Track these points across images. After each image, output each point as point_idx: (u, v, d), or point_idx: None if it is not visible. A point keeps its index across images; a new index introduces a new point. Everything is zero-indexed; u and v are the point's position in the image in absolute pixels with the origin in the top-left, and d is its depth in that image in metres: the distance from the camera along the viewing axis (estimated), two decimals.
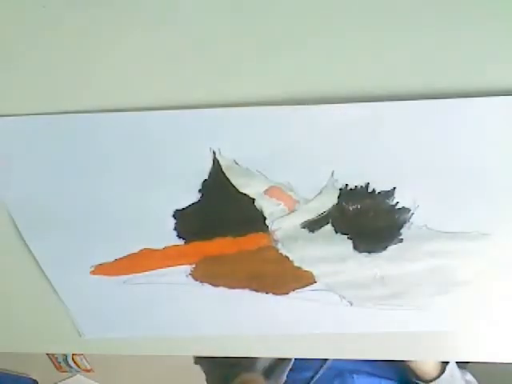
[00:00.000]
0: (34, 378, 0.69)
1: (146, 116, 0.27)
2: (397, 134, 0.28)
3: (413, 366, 0.58)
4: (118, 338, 0.41)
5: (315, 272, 0.38)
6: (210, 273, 0.39)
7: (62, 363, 0.75)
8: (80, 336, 0.44)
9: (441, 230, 0.33)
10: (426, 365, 0.57)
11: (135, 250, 0.36)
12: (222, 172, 0.29)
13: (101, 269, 0.38)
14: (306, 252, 0.36)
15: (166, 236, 0.34)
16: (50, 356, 0.72)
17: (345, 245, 0.35)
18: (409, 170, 0.30)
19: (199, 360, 0.66)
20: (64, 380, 0.76)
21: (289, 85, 0.26)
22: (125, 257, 0.36)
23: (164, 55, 0.26)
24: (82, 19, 0.24)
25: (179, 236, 0.34)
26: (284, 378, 0.59)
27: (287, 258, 0.36)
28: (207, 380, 0.66)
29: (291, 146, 0.28)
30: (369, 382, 0.60)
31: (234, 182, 0.30)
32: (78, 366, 0.77)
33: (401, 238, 0.34)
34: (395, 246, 0.35)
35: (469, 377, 0.63)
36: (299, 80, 0.26)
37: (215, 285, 0.40)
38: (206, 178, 0.30)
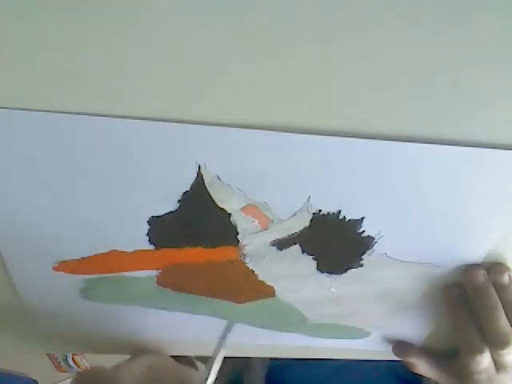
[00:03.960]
0: (34, 377, 0.66)
1: (135, 124, 0.27)
2: (370, 170, 0.30)
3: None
4: (117, 338, 0.41)
5: (277, 287, 0.40)
6: (174, 279, 0.39)
7: (62, 363, 0.72)
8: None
9: (399, 259, 0.36)
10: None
11: (104, 251, 0.36)
12: (204, 186, 0.30)
13: (65, 266, 0.37)
14: (271, 268, 0.37)
15: (139, 240, 0.34)
16: (50, 356, 0.69)
17: (309, 264, 0.37)
18: (378, 203, 0.32)
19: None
20: (64, 380, 0.73)
21: (280, 113, 0.27)
22: (92, 256, 0.36)
23: (167, 70, 0.26)
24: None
25: (151, 242, 0.35)
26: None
27: (252, 271, 0.38)
28: None
29: (273, 169, 0.30)
30: None
31: (214, 196, 0.31)
32: (78, 366, 0.74)
33: (362, 262, 0.36)
34: (355, 269, 0.37)
35: None
36: (290, 109, 0.27)
37: (178, 290, 0.40)
38: (188, 189, 0.31)
